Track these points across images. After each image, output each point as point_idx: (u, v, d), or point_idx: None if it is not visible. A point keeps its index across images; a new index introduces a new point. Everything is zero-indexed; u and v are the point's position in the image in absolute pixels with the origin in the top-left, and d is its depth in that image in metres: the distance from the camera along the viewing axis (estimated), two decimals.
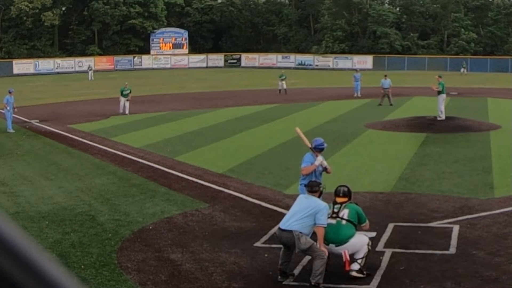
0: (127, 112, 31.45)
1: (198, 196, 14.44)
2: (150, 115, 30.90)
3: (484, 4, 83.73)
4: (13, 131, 26.02)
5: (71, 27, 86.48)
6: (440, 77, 28.61)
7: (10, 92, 26.75)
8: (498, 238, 10.91)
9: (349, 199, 9.64)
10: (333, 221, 9.25)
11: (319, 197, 9.29)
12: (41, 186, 15.73)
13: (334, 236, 9.16)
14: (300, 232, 8.82)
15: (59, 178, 16.78)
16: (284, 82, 42.91)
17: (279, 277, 9.08)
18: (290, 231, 8.84)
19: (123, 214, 12.83)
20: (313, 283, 8.68)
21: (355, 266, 9.13)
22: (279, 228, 9.16)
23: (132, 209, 13.26)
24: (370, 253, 9.37)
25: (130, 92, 32.11)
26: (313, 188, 9.33)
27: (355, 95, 40.13)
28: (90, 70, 66.80)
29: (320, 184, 9.51)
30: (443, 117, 26.93)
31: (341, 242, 9.14)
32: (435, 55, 78.72)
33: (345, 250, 9.05)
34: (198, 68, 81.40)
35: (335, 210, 9.39)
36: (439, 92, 27.44)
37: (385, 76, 36.17)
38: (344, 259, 9.00)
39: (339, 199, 9.57)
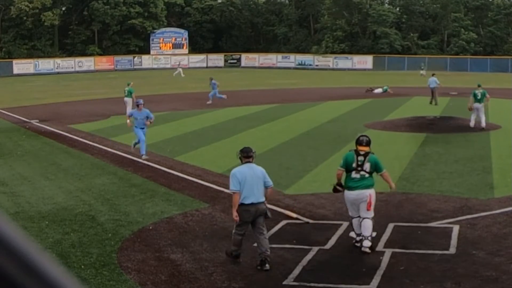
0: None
1: (198, 196, 14.44)
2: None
3: (484, 4, 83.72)
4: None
5: (71, 27, 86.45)
6: (479, 86, 25.24)
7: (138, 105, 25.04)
8: (498, 238, 10.91)
9: (369, 147, 10.50)
10: (358, 175, 10.25)
11: (252, 161, 9.93)
12: (41, 186, 15.72)
13: (361, 183, 10.21)
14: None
15: (59, 178, 16.77)
16: None
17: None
18: (263, 202, 9.71)
19: (123, 214, 12.83)
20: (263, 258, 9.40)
21: (367, 243, 9.98)
22: (252, 203, 9.60)
23: (132, 209, 13.26)
24: (370, 253, 9.40)
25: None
26: (249, 153, 9.89)
27: (209, 102, 36.16)
28: (180, 67, 65.96)
29: (252, 149, 10.08)
30: (483, 124, 24.54)
31: (367, 186, 10.21)
32: (435, 55, 78.68)
33: (370, 193, 10.18)
34: (198, 68, 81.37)
35: (359, 163, 10.27)
36: (478, 101, 24.63)
37: (433, 74, 35.40)
38: (368, 200, 10.12)
39: (361, 148, 10.43)
